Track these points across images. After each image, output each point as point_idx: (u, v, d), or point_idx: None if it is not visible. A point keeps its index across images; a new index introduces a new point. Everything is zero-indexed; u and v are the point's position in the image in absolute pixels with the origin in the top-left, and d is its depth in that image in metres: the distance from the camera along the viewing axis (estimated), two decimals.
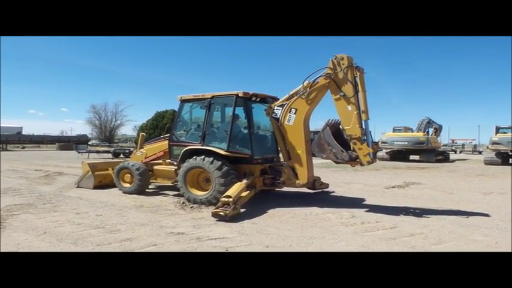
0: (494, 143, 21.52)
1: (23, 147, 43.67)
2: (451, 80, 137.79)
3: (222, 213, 6.17)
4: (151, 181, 9.16)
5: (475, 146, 51.81)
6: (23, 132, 54.00)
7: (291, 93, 7.33)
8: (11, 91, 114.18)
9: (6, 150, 37.64)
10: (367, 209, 7.34)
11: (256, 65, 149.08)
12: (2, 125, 60.05)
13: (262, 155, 8.07)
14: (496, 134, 22.31)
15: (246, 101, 7.86)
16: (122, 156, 22.28)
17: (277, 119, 7.41)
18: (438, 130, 28.06)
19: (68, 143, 43.64)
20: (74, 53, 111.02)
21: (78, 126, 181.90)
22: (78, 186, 9.84)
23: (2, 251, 4.44)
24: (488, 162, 21.29)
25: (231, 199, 6.42)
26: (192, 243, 4.89)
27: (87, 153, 25.01)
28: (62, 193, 8.90)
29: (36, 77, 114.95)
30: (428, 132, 26.39)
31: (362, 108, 6.63)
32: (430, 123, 27.15)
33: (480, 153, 41.63)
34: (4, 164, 17.74)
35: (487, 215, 6.86)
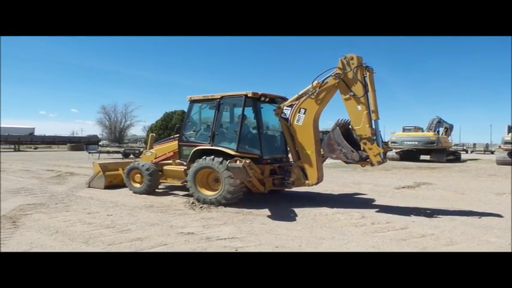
0: (506, 143, 21.18)
1: (35, 148, 44.26)
2: (461, 79, 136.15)
3: (238, 161, 6.68)
4: (161, 181, 9.22)
5: (487, 145, 51.00)
6: (35, 133, 54.76)
7: (300, 93, 7.32)
8: (23, 92, 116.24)
9: (19, 150, 38.22)
10: (377, 210, 7.29)
11: (265, 65, 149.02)
12: (14, 126, 61.17)
13: (271, 155, 8.06)
14: (508, 134, 21.94)
15: (255, 101, 7.87)
16: (131, 156, 22.44)
17: (287, 119, 7.40)
18: (449, 130, 27.73)
19: (78, 143, 44.01)
20: (82, 55, 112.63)
21: (89, 127, 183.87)
22: (89, 186, 9.94)
23: (15, 249, 4.52)
24: (501, 162, 20.96)
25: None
26: (202, 243, 4.91)
27: (97, 154, 25.25)
28: (73, 193, 9.01)
29: (46, 79, 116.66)
30: (438, 131, 26.08)
31: (372, 108, 6.60)
32: (440, 122, 26.84)
33: (492, 153, 40.99)
34: (17, 165, 18.04)
35: (499, 216, 6.77)
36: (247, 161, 6.76)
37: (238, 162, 6.73)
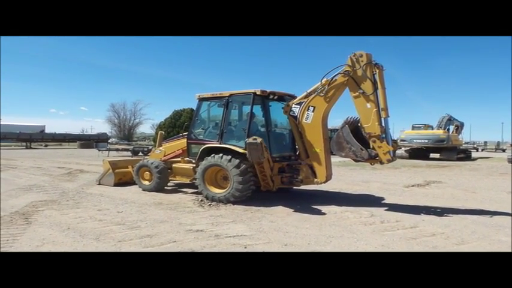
0: None
1: (46, 145, 44.84)
2: (472, 76, 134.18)
3: (256, 137, 7.00)
4: (170, 179, 9.27)
5: (498, 143, 50.33)
6: (46, 131, 55.46)
7: (308, 91, 7.29)
8: (32, 90, 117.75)
9: (31, 148, 38.76)
10: (386, 208, 7.25)
11: (273, 63, 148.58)
12: (26, 124, 62.05)
13: (280, 153, 8.06)
14: None
15: (264, 99, 7.87)
16: (140, 154, 22.63)
17: (295, 117, 7.38)
18: (459, 127, 27.43)
19: (88, 141, 44.52)
20: (90, 53, 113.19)
21: (98, 125, 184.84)
22: (99, 184, 10.05)
23: (28, 245, 4.59)
24: None
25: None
26: (211, 240, 4.94)
27: (107, 151, 25.50)
28: (84, 190, 9.11)
29: (55, 77, 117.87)
30: (449, 129, 25.81)
31: (381, 105, 6.55)
32: (451, 120, 26.55)
33: (503, 151, 40.45)
34: (29, 162, 18.30)
35: (511, 215, 6.68)
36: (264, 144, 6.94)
37: (256, 137, 6.98)
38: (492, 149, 47.20)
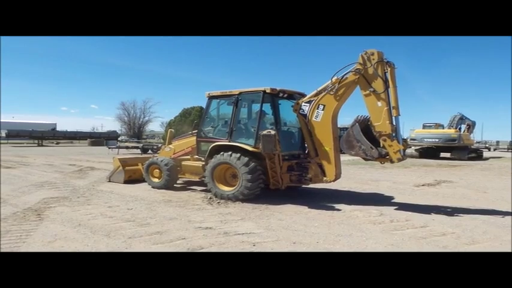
0: None
1: (57, 143, 45.40)
2: (483, 75, 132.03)
3: (270, 130, 7.20)
4: (179, 176, 9.32)
5: (510, 143, 49.52)
6: (57, 129, 56.14)
7: (318, 89, 7.27)
8: (44, 89, 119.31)
9: (42, 145, 39.29)
10: (396, 207, 7.19)
11: (282, 61, 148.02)
12: (38, 122, 62.95)
13: (289, 151, 8.04)
14: None
15: (273, 97, 7.86)
16: (150, 152, 22.78)
17: (305, 116, 7.37)
18: (471, 127, 27.03)
19: (99, 138, 44.94)
20: (100, 52, 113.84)
21: (108, 123, 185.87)
22: (109, 181, 10.15)
23: (40, 241, 4.67)
24: None
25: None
26: (220, 237, 4.96)
27: (116, 149, 25.70)
28: (94, 187, 9.22)
29: (66, 76, 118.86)
30: (460, 128, 25.46)
31: (392, 104, 6.51)
32: (462, 119, 26.16)
33: None
34: (41, 159, 18.57)
35: (511, 214, 6.58)
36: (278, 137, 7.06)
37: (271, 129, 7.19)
38: (504, 148, 46.43)
